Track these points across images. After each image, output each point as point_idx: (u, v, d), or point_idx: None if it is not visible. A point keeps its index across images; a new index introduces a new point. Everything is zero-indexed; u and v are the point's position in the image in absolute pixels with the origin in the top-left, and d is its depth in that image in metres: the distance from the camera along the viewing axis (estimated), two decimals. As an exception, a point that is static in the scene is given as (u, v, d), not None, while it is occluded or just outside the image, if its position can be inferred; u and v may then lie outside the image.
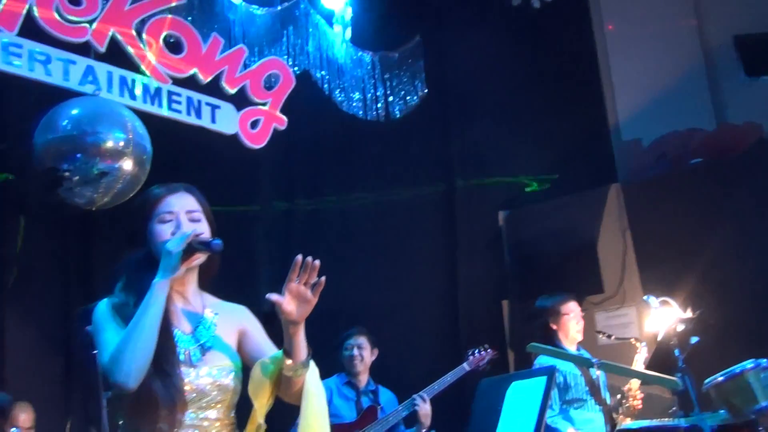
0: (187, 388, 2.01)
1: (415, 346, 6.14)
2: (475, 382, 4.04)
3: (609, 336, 4.69)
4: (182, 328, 2.11)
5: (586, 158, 6.57)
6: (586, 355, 4.54)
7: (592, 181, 6.32)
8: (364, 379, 4.89)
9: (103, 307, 2.08)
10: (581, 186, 6.29)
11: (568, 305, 4.77)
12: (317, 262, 1.98)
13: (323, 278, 1.99)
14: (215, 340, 2.13)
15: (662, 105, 6.46)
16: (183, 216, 2.13)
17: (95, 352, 2.07)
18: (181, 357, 2.05)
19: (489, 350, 4.96)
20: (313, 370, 2.08)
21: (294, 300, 1.98)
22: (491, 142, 6.58)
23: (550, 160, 6.56)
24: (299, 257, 1.96)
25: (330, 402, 4.61)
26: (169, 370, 1.98)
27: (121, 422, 2.06)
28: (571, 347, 4.71)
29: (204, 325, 2.15)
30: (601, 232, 6.03)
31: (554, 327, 4.73)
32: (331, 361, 4.82)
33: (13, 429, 4.59)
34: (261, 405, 2.07)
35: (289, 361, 2.03)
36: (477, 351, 4.95)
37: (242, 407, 2.12)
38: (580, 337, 4.77)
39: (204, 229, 2.13)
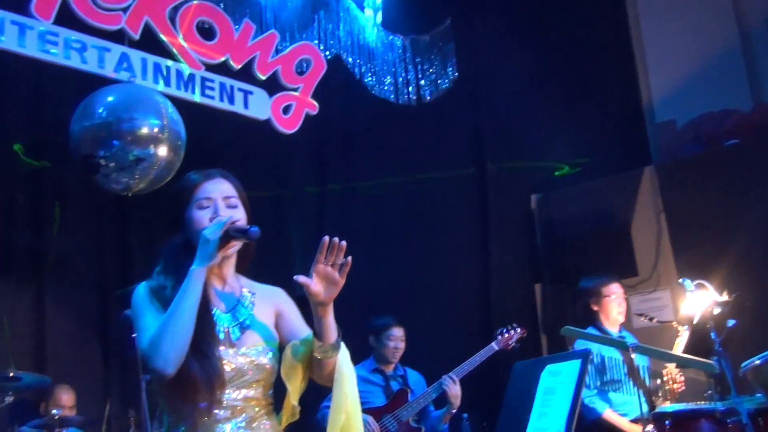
0: (227, 367, 2.04)
1: (447, 330, 6.14)
2: (508, 364, 4.04)
3: (651, 319, 4.65)
4: (221, 308, 2.13)
5: (619, 140, 6.51)
6: (629, 337, 4.50)
7: (626, 163, 6.26)
8: (392, 365, 4.89)
9: (141, 291, 2.10)
10: (615, 168, 6.23)
11: (610, 287, 4.73)
12: (344, 243, 1.99)
13: (350, 258, 1.99)
14: (253, 319, 2.15)
15: (697, 85, 6.35)
16: (220, 202, 2.14)
17: (134, 335, 2.11)
18: (221, 336, 2.08)
19: (518, 329, 4.92)
20: (344, 352, 2.09)
21: (321, 281, 2.00)
22: (523, 124, 6.52)
23: (582, 142, 6.49)
24: (326, 238, 1.98)
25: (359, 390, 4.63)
26: (207, 352, 2.00)
27: (160, 403, 2.10)
28: (613, 329, 4.67)
29: (242, 303, 2.17)
30: (635, 215, 5.99)
31: (595, 308, 4.71)
32: (363, 343, 4.85)
33: (55, 410, 4.69)
34: (294, 388, 2.09)
35: (319, 343, 2.04)
36: (505, 330, 4.91)
37: (279, 390, 2.14)
38: (621, 319, 4.72)
39: (240, 216, 2.15)
